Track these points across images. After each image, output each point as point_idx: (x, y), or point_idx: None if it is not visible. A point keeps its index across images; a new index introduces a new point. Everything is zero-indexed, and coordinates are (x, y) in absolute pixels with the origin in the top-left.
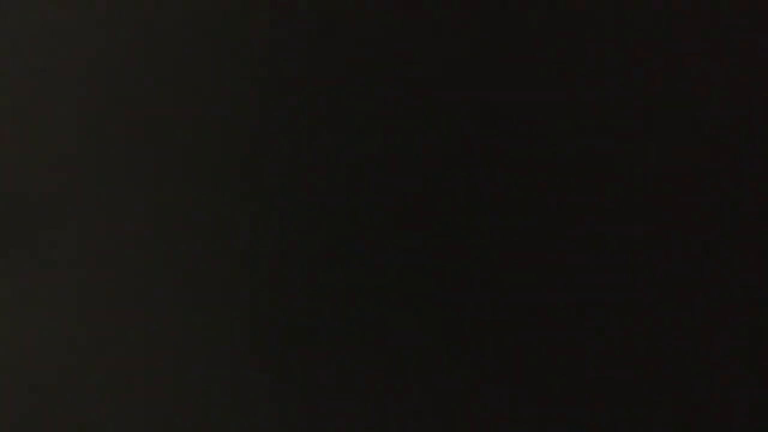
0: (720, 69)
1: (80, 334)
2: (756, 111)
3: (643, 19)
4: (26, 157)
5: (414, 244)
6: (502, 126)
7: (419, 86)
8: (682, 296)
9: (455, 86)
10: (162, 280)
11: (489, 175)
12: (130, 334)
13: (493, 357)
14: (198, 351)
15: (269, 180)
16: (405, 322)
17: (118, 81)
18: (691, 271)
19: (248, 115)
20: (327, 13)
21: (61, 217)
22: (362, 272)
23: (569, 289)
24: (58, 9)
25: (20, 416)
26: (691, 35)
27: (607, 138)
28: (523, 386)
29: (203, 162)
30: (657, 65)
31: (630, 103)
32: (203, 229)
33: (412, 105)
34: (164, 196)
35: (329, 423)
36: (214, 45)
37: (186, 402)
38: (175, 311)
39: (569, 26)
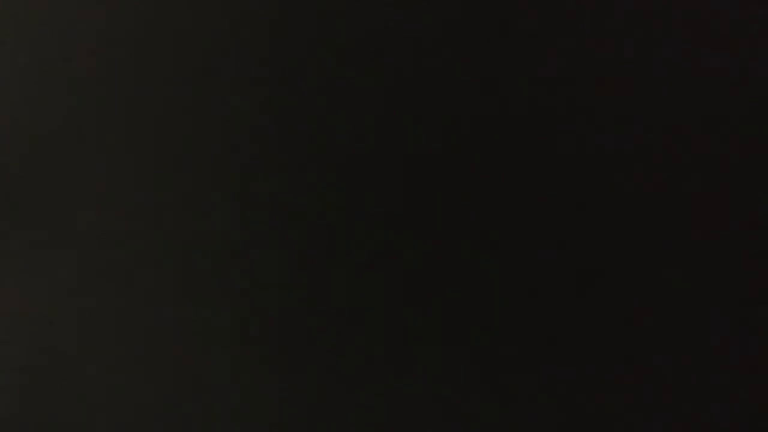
0: (720, 69)
1: (81, 333)
2: (756, 111)
3: (643, 19)
4: (26, 157)
5: (415, 244)
6: (503, 127)
7: (419, 87)
8: (681, 296)
9: (455, 86)
10: (162, 279)
11: (489, 175)
12: (129, 333)
13: (494, 357)
14: (199, 349)
15: (271, 180)
16: (405, 322)
17: (118, 79)
18: (690, 271)
19: (249, 116)
20: (326, 13)
21: (62, 217)
22: (363, 272)
23: (570, 290)
24: (58, 9)
25: (19, 414)
26: (690, 35)
27: (607, 138)
28: (524, 387)
29: (204, 161)
30: (657, 65)
31: (630, 103)
32: (203, 228)
33: (412, 105)
34: (165, 195)
35: (330, 423)
36: (213, 46)
37: (186, 401)
38: (175, 309)
39: (569, 25)
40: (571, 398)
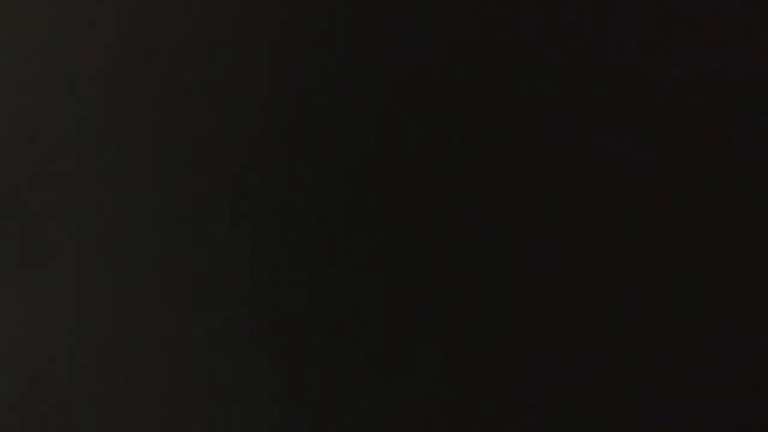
0: (720, 68)
1: (81, 334)
2: (756, 111)
3: (643, 19)
4: (27, 158)
5: (416, 244)
6: (503, 127)
7: (419, 87)
8: (681, 296)
9: (455, 86)
10: (163, 280)
11: (489, 175)
12: (130, 335)
13: (494, 357)
14: (199, 350)
15: (270, 180)
16: (405, 322)
17: (118, 82)
18: (690, 271)
19: (250, 117)
20: (326, 13)
21: (62, 218)
22: (363, 272)
23: (570, 291)
24: (59, 9)
25: (19, 415)
26: (689, 35)
27: (607, 137)
28: (523, 387)
29: (204, 161)
30: (657, 65)
31: (630, 103)
32: (203, 228)
33: (412, 105)
34: (165, 195)
35: (331, 423)
36: (213, 46)
37: (186, 401)
38: (175, 310)
39: (569, 25)
40: (571, 398)
